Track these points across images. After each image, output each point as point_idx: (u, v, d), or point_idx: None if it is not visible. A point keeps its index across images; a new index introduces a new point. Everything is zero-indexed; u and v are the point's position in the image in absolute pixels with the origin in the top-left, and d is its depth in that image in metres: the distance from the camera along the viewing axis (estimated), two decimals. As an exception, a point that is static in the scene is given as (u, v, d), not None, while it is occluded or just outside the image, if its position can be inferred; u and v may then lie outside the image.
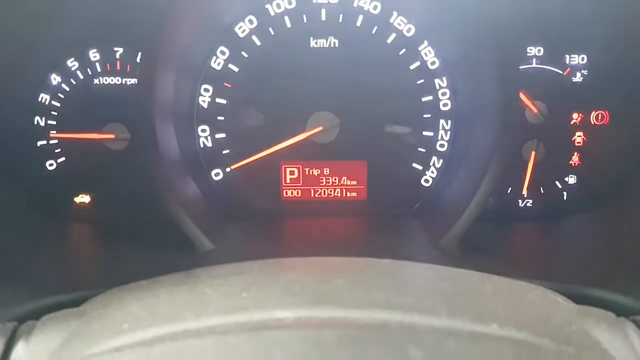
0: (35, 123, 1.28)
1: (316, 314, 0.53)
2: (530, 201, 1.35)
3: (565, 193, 1.35)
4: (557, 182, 1.34)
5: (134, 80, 1.27)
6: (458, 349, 0.37)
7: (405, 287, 0.60)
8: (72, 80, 1.28)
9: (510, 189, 1.34)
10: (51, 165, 1.30)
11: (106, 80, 1.28)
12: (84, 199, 1.32)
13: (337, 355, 0.37)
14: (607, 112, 1.30)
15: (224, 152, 1.33)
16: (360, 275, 0.63)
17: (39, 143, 1.29)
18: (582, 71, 1.29)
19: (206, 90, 1.30)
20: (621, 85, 1.26)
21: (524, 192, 1.34)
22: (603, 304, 0.83)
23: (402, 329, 0.41)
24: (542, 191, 1.35)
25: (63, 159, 1.30)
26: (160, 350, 0.40)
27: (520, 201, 1.35)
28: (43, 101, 1.28)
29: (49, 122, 1.28)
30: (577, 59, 1.28)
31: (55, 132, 1.28)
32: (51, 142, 1.29)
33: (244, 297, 0.57)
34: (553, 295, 0.70)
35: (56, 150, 1.30)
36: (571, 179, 1.34)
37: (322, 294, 0.57)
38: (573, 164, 1.33)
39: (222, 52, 1.28)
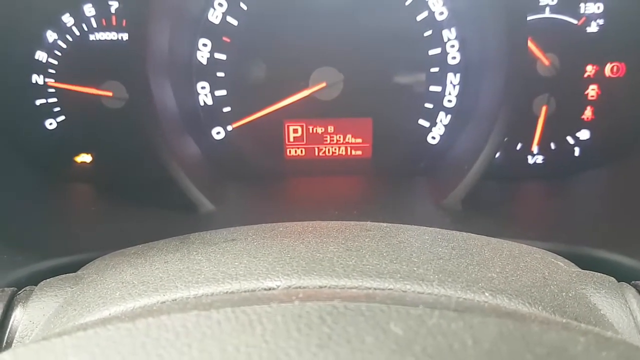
0: (34, 82, 1.25)
1: (306, 283, 0.52)
2: (541, 158, 1.31)
3: (577, 149, 1.30)
4: (568, 138, 1.30)
5: (129, 35, 1.23)
6: (440, 324, 0.36)
7: (400, 253, 0.58)
8: (68, 36, 1.25)
9: (519, 145, 1.31)
10: (51, 124, 1.28)
11: (102, 36, 1.25)
12: (84, 158, 1.31)
13: (319, 329, 0.36)
14: (623, 63, 1.24)
15: (225, 110, 1.29)
16: (355, 241, 0.61)
17: (38, 102, 1.27)
18: (598, 21, 1.23)
19: (204, 44, 1.25)
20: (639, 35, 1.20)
21: (534, 148, 1.30)
22: (608, 267, 0.81)
23: (387, 300, 0.40)
24: (553, 147, 1.31)
25: (63, 117, 1.28)
26: (144, 322, 0.39)
27: (529, 157, 1.32)
28: (40, 59, 1.25)
29: (47, 80, 1.26)
30: (593, 8, 1.22)
31: (53, 80, 1.26)
32: (50, 100, 1.27)
33: (235, 266, 0.56)
34: (554, 259, 0.68)
35: (55, 109, 1.28)
36: (583, 134, 1.29)
37: (314, 262, 0.55)
38: (586, 119, 1.28)
39: (220, 4, 1.23)
